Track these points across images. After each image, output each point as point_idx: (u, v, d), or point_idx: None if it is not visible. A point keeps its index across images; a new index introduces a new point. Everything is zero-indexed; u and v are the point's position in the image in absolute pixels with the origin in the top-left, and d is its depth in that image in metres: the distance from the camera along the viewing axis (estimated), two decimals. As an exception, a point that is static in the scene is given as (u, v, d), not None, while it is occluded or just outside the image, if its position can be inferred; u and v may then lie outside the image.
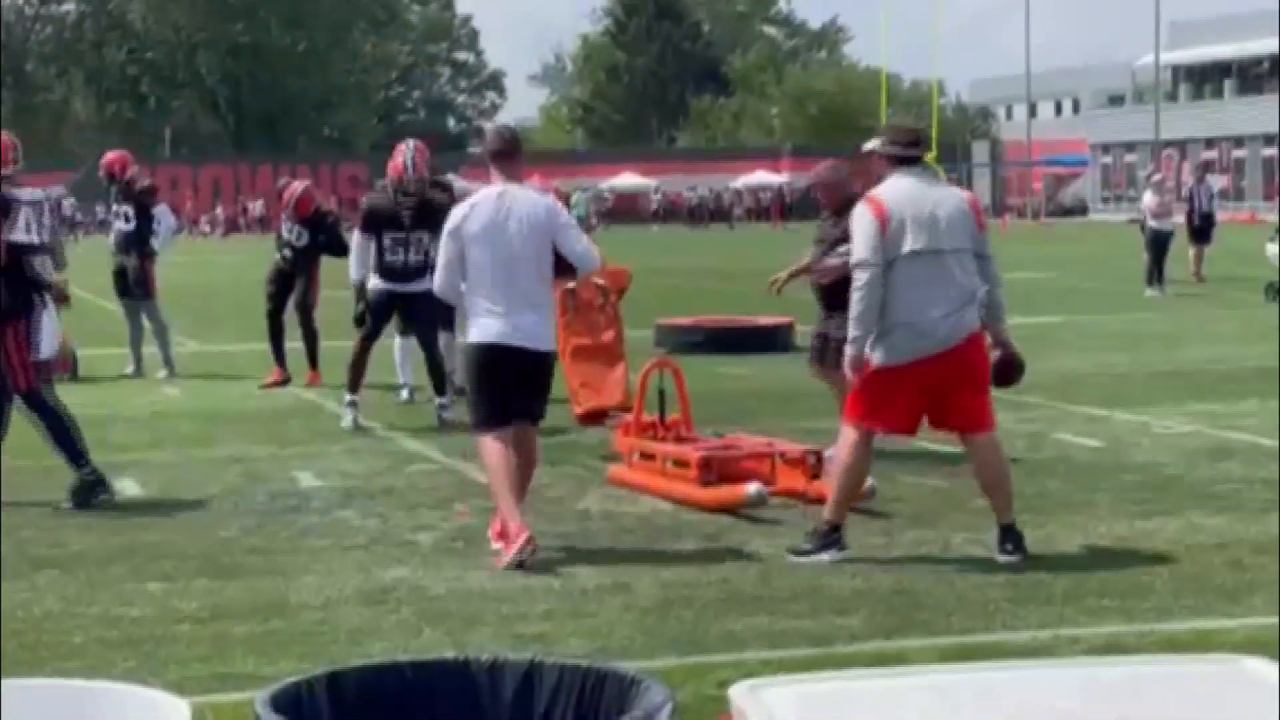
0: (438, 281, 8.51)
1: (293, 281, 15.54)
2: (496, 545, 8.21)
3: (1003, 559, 7.97)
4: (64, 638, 6.81)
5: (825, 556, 7.92)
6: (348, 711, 3.58)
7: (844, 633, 6.75)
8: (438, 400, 12.79)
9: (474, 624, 6.94)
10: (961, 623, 6.89)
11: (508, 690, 3.72)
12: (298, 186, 15.83)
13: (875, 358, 7.94)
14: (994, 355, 8.25)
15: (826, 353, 10.19)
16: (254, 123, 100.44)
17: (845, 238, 9.79)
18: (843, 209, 10.11)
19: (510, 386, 8.26)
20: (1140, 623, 6.86)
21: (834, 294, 9.90)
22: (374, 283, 12.72)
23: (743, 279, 30.49)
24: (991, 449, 8.18)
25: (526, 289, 8.20)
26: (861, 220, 8.01)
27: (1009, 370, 8.33)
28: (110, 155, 16.92)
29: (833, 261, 10.07)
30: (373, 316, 12.80)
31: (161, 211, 16.82)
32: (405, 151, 12.75)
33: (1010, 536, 8.05)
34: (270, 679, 4.19)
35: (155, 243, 16.56)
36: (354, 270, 12.85)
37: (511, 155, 8.46)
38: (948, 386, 7.97)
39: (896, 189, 8.04)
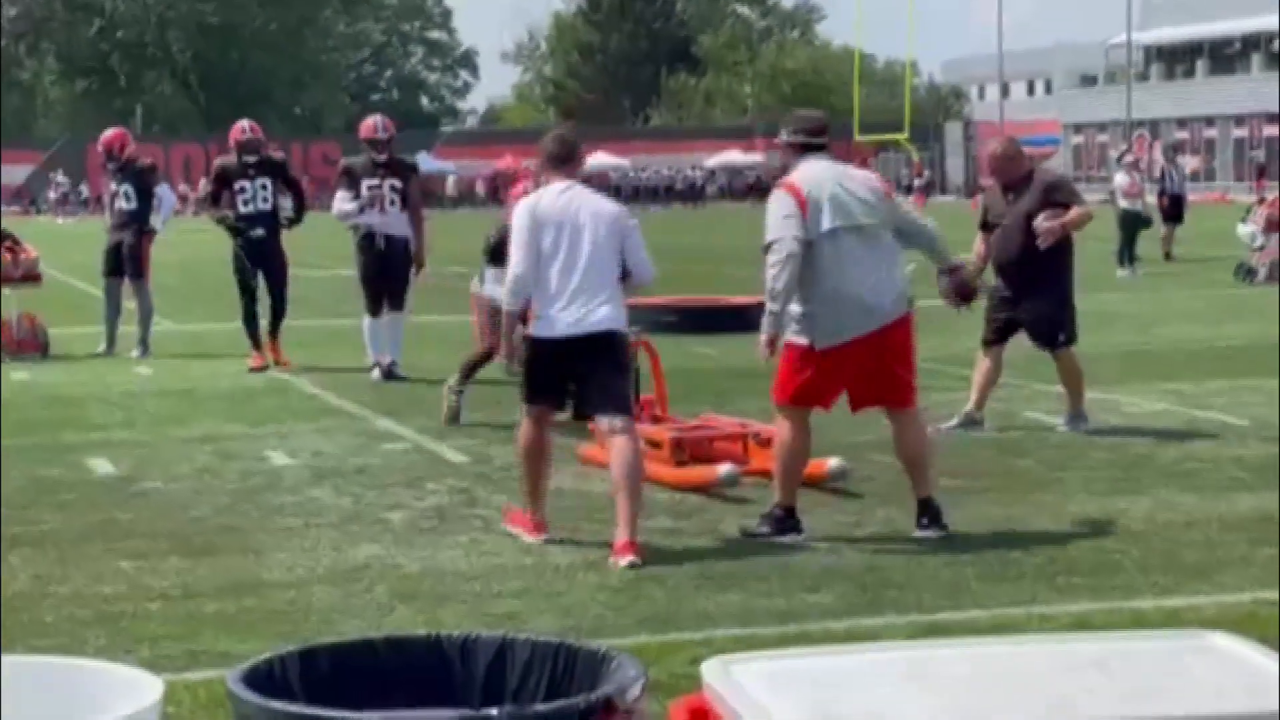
0: (514, 274, 7.96)
1: (261, 258, 15.01)
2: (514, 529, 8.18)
3: (919, 534, 8.02)
4: (36, 616, 6.80)
5: (785, 539, 7.94)
6: (320, 688, 3.59)
7: (815, 610, 6.78)
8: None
9: (446, 602, 6.95)
10: (932, 601, 6.92)
11: (480, 667, 3.74)
12: (244, 122, 15.31)
13: (817, 340, 7.93)
14: (947, 280, 8.67)
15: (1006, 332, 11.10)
16: (225, 101, 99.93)
17: (1032, 211, 10.55)
18: (1020, 184, 10.54)
19: (567, 375, 8.00)
20: (1110, 600, 6.90)
21: (1023, 267, 10.61)
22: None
23: (714, 258, 30.50)
24: (914, 425, 8.25)
25: (594, 280, 7.90)
26: (780, 203, 7.98)
27: (966, 291, 8.82)
28: (109, 133, 16.76)
29: (1047, 224, 10.60)
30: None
31: (163, 190, 16.74)
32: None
33: (927, 511, 8.11)
34: (242, 657, 4.20)
35: (156, 221, 16.47)
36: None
37: (571, 160, 8.28)
38: (879, 363, 8.01)
39: (809, 172, 8.08)
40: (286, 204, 15.22)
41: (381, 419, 12.04)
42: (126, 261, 16.28)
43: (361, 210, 13.87)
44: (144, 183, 16.34)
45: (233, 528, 8.47)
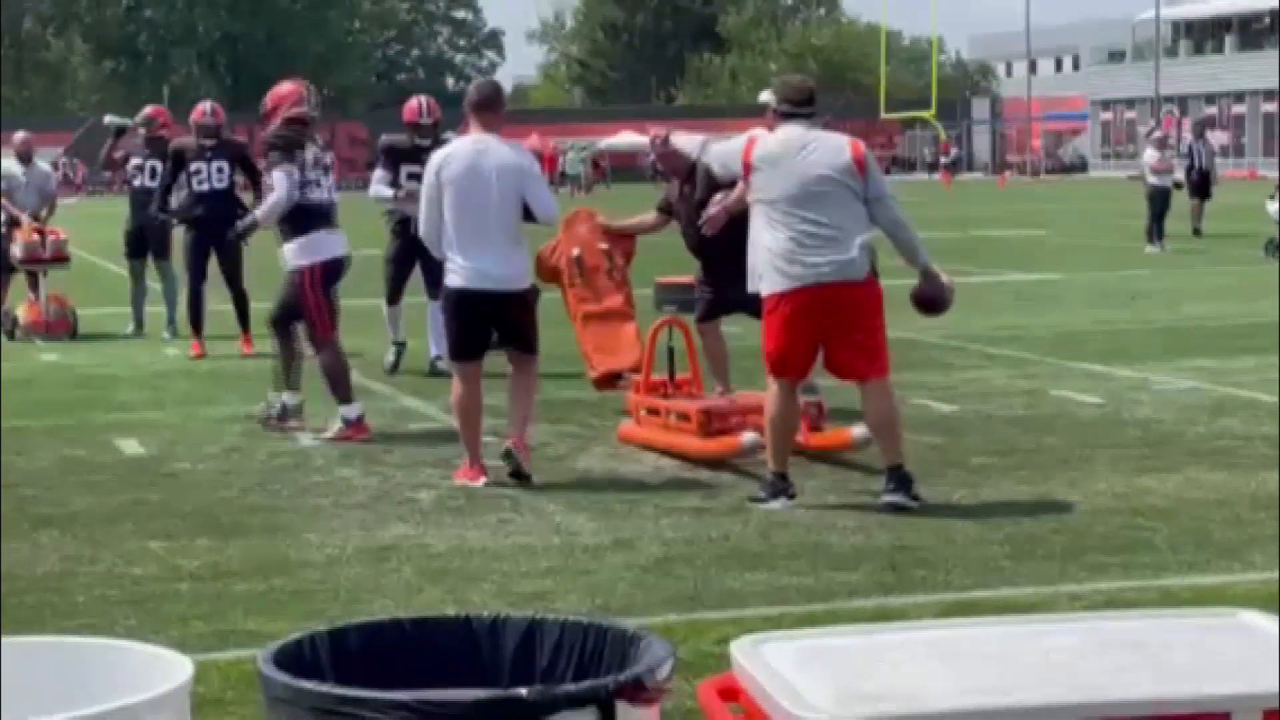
0: (422, 226, 8.98)
1: (213, 239, 14.40)
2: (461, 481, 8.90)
3: (886, 499, 8.08)
4: (65, 596, 6.82)
5: (776, 504, 8.11)
6: (350, 668, 3.59)
7: (844, 589, 6.77)
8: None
9: (475, 581, 6.96)
10: (961, 579, 6.91)
11: (509, 647, 3.73)
12: (205, 104, 15.22)
13: (762, 285, 8.18)
14: (917, 285, 8.44)
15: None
16: (252, 81, 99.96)
17: (703, 199, 10.03)
18: (689, 173, 10.36)
19: (485, 325, 8.91)
20: (1139, 579, 6.88)
21: (713, 247, 10.12)
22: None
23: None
24: (882, 394, 8.29)
25: (500, 233, 8.74)
26: (735, 151, 8.58)
27: (930, 302, 8.49)
28: (152, 108, 17.05)
29: (711, 211, 10.06)
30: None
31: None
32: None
33: (894, 477, 8.15)
34: (272, 637, 4.20)
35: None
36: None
37: (491, 107, 9.04)
38: (837, 329, 8.10)
39: (773, 139, 8.30)
40: (248, 196, 14.79)
41: (408, 398, 12.06)
42: (150, 241, 16.28)
43: (394, 197, 12.98)
44: (176, 162, 16.25)
45: (261, 508, 8.49)
